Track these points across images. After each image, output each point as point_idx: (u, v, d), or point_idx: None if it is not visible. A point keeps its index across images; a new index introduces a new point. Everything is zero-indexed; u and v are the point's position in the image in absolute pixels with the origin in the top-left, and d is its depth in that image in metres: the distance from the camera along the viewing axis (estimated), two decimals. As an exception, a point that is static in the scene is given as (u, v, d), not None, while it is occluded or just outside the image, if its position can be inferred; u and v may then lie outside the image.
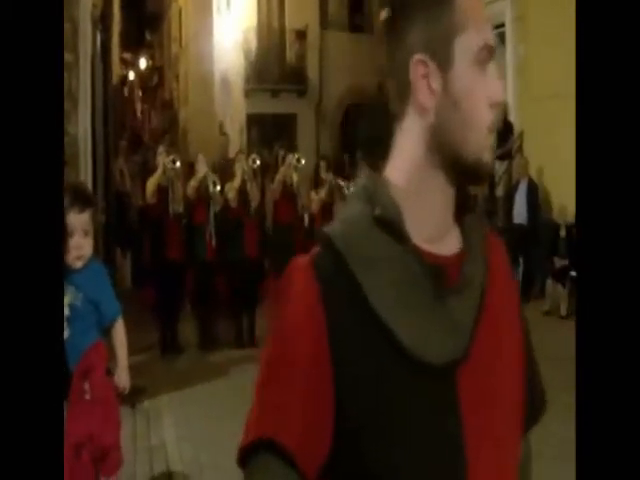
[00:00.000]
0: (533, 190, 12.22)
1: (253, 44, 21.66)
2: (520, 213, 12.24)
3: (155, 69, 38.95)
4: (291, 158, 9.85)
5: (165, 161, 9.24)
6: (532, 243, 12.06)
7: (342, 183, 10.09)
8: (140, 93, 41.63)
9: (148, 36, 40.36)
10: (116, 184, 12.97)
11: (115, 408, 4.49)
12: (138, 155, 16.05)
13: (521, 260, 12.11)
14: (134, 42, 40.14)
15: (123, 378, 4.51)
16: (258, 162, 9.89)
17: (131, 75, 41.93)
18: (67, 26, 8.51)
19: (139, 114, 38.24)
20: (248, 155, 10.27)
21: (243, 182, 9.54)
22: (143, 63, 41.32)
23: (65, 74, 8.60)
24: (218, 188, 9.37)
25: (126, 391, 4.59)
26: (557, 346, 9.79)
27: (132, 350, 9.22)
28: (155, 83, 38.07)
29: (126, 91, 40.69)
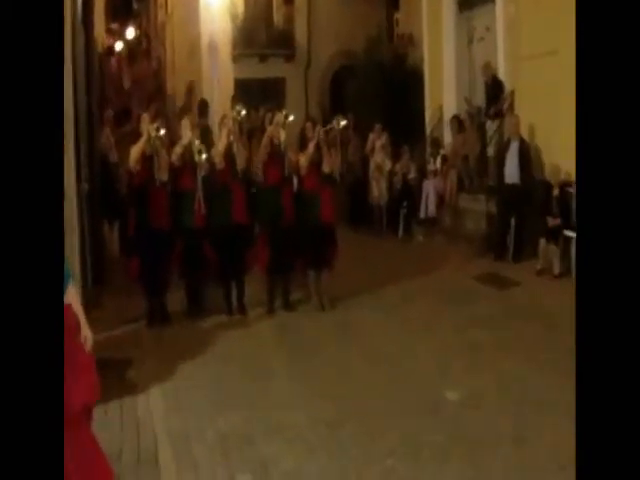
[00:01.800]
0: (525, 149, 12.05)
1: (240, 9, 21.35)
2: (512, 173, 12.07)
3: (142, 38, 38.59)
4: (279, 116, 9.62)
5: (149, 128, 9.06)
6: (524, 203, 11.92)
7: (329, 127, 9.88)
8: (128, 63, 41.24)
9: (135, 5, 39.95)
10: (103, 154, 12.81)
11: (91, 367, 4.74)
12: (127, 125, 15.83)
13: (513, 220, 11.99)
14: (122, 12, 39.79)
15: (86, 331, 4.89)
16: (244, 112, 9.69)
17: (119, 45, 41.54)
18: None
19: (127, 84, 37.82)
20: (233, 108, 10.10)
21: (229, 144, 9.35)
22: (131, 33, 40.93)
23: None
24: (204, 156, 9.16)
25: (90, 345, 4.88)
26: (550, 305, 9.76)
27: (119, 321, 9.31)
28: (142, 51, 37.73)
29: (114, 61, 40.31)
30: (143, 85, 34.18)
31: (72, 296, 4.75)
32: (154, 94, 29.01)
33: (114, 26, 40.74)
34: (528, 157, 12.09)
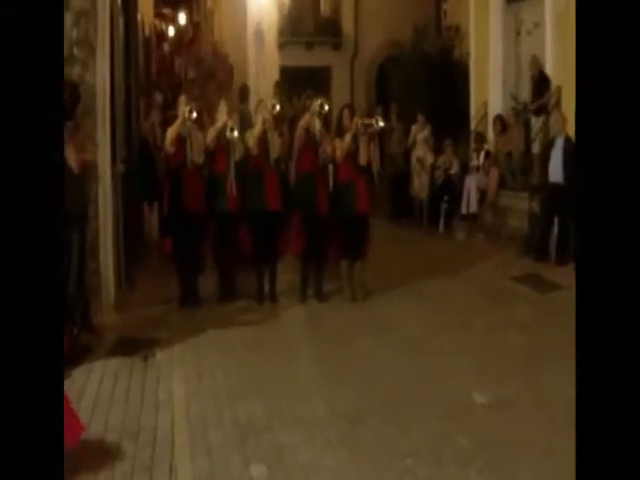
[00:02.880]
0: (570, 147, 11.73)
1: (287, -4, 21.33)
2: (556, 171, 11.74)
3: (192, 24, 38.66)
4: (315, 104, 9.47)
5: (184, 110, 9.03)
6: (568, 202, 11.62)
7: (367, 121, 9.68)
8: (179, 48, 41.43)
9: (186, -9, 40.02)
10: (143, 136, 12.82)
11: None
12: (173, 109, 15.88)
13: (557, 220, 11.68)
14: (173, -2, 39.88)
15: None
16: (278, 107, 9.56)
17: (171, 30, 41.70)
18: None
19: (177, 69, 38.02)
20: (275, 95, 10.04)
21: (264, 131, 9.25)
22: (182, 19, 41.02)
23: (82, 20, 8.44)
24: (236, 134, 9.10)
25: None
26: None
27: (151, 302, 9.31)
28: (190, 37, 37.82)
29: (166, 46, 40.48)
30: (191, 70, 34.31)
31: None
32: (202, 80, 29.06)
33: (166, 11, 40.84)
34: (573, 155, 11.79)
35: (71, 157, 7.56)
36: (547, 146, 12.20)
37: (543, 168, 12.12)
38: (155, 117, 13.72)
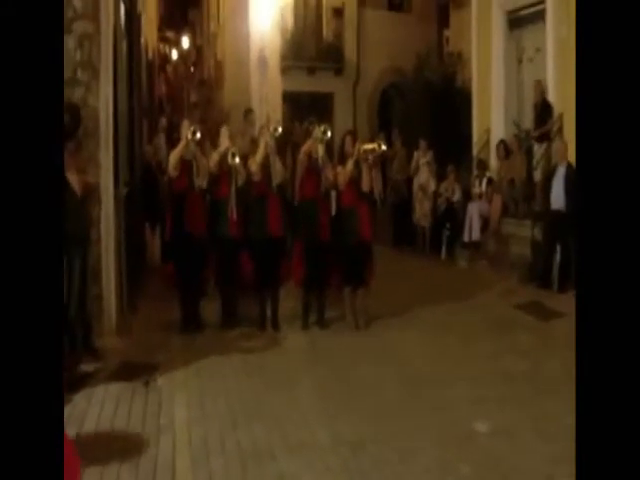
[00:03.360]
0: (571, 175, 11.74)
1: (290, 21, 21.40)
2: (558, 198, 11.75)
3: (195, 48, 38.84)
4: (317, 130, 9.46)
5: (187, 133, 9.04)
6: (570, 230, 11.62)
7: (370, 147, 9.68)
8: (183, 71, 41.64)
9: (190, 15, 40.24)
10: (146, 159, 12.87)
11: None
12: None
13: (558, 248, 11.67)
14: (177, 21, 40.06)
15: None
16: (280, 130, 9.55)
17: (174, 54, 41.92)
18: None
19: (180, 92, 38.15)
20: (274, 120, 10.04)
21: (266, 156, 9.26)
22: (186, 42, 41.22)
23: (85, 43, 8.48)
24: (237, 160, 9.10)
25: None
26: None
27: (153, 326, 9.27)
28: (193, 61, 37.98)
29: (170, 69, 40.72)
30: (193, 94, 34.46)
31: None
32: (205, 104, 29.20)
33: (169, 34, 41.03)
34: (575, 183, 11.80)
35: (73, 180, 7.58)
36: (549, 174, 12.22)
37: (545, 196, 12.13)
38: (160, 140, 13.80)
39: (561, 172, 11.77)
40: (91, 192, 8.14)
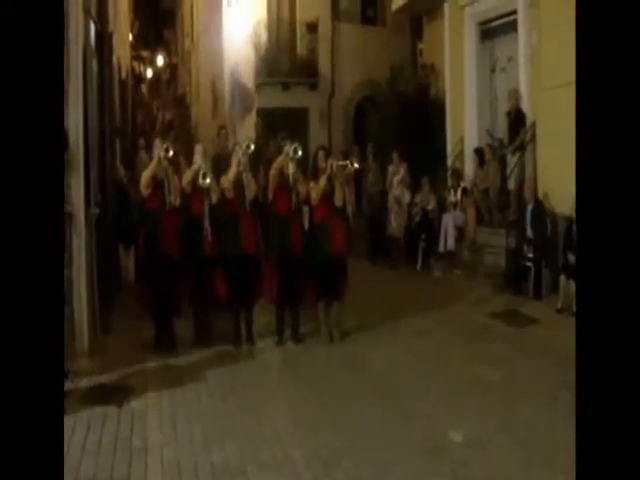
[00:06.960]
0: (541, 214, 11.82)
1: (263, 37, 21.35)
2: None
3: (170, 65, 38.87)
4: (288, 147, 9.42)
5: (159, 151, 8.98)
6: (542, 241, 11.69)
7: (342, 163, 9.66)
8: (157, 90, 41.66)
9: (165, 34, 40.28)
10: (118, 179, 12.79)
11: None
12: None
13: (533, 256, 11.73)
14: (152, 40, 40.10)
15: None
16: (252, 147, 9.50)
17: (149, 72, 41.94)
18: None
19: (155, 111, 38.12)
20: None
21: (239, 173, 9.22)
22: (160, 60, 41.24)
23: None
24: (208, 181, 9.06)
25: None
26: (568, 345, 9.39)
27: (126, 346, 9.17)
28: (168, 79, 38.01)
29: (144, 88, 40.69)
30: (168, 112, 34.45)
31: None
32: (179, 121, 29.17)
33: (144, 53, 41.03)
34: (544, 221, 11.86)
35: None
36: (522, 182, 12.31)
37: (519, 204, 12.19)
38: (141, 159, 13.72)
39: (529, 209, 11.94)
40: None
